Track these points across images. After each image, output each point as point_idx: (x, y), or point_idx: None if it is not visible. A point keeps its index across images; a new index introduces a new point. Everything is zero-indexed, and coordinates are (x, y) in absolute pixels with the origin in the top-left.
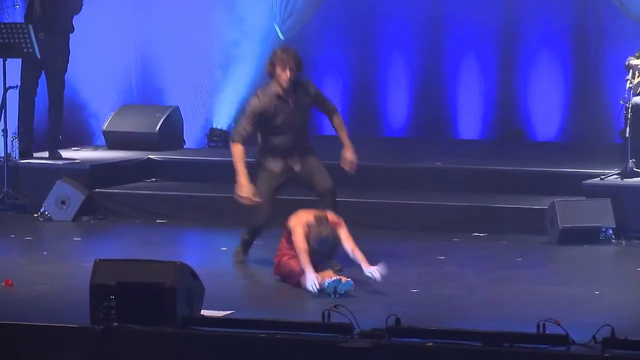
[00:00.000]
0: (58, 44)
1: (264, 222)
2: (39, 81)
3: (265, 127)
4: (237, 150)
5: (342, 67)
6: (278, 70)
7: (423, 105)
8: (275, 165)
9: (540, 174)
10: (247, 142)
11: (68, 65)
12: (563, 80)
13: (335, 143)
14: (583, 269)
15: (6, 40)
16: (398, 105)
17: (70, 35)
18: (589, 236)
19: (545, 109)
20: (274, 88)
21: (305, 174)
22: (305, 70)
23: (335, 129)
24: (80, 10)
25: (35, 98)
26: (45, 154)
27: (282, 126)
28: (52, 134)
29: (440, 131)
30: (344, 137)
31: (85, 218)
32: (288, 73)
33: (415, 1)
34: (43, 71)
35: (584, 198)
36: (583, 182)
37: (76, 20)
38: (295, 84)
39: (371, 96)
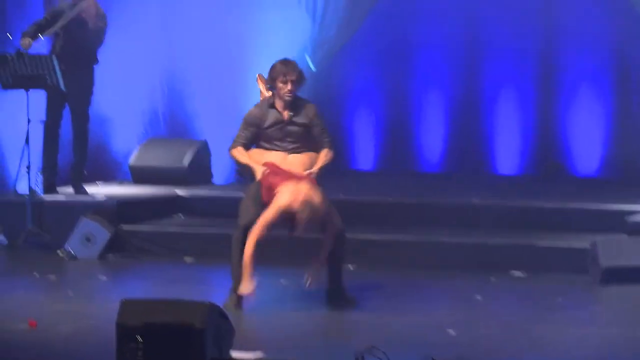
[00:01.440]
0: (82, 75)
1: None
2: (64, 114)
3: (260, 139)
4: (237, 151)
5: (376, 100)
6: (279, 83)
7: (459, 139)
8: None
9: (581, 210)
10: (246, 148)
11: (93, 97)
12: (604, 113)
13: (361, 179)
14: (627, 310)
15: (30, 72)
16: (433, 139)
17: (96, 67)
18: (633, 276)
19: (586, 143)
20: (273, 100)
21: None
22: (338, 102)
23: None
24: (102, 42)
25: (60, 132)
26: (70, 190)
27: (274, 140)
28: (76, 168)
29: (477, 166)
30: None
31: (111, 256)
32: (289, 86)
33: (451, 33)
34: (67, 104)
35: (627, 236)
36: (626, 219)
37: (102, 51)
38: (298, 102)
39: (405, 129)
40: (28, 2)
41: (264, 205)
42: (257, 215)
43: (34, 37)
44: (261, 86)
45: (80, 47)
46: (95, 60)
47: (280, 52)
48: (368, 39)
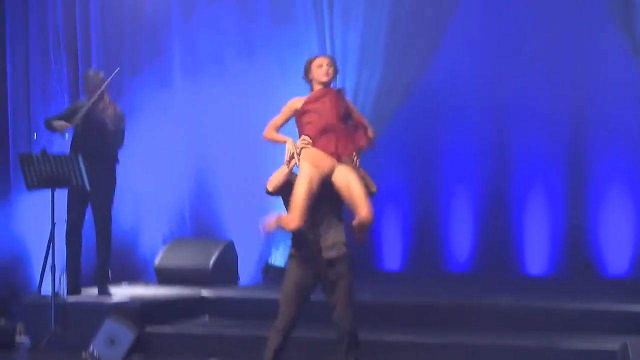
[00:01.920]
0: (103, 174)
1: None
2: (86, 214)
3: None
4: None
5: (403, 199)
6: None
7: (487, 239)
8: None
9: (611, 312)
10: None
11: (115, 197)
12: (635, 212)
13: (388, 280)
14: None
15: (55, 172)
16: (461, 239)
17: (117, 166)
18: None
19: (616, 243)
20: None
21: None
22: None
23: None
24: (123, 142)
25: (82, 232)
26: (94, 290)
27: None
28: (100, 269)
29: (505, 266)
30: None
31: (135, 357)
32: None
33: (480, 130)
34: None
35: None
36: None
37: (127, 151)
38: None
39: (433, 229)
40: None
41: (305, 289)
42: (294, 314)
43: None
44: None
45: (100, 147)
46: (116, 160)
47: None
48: (395, 137)
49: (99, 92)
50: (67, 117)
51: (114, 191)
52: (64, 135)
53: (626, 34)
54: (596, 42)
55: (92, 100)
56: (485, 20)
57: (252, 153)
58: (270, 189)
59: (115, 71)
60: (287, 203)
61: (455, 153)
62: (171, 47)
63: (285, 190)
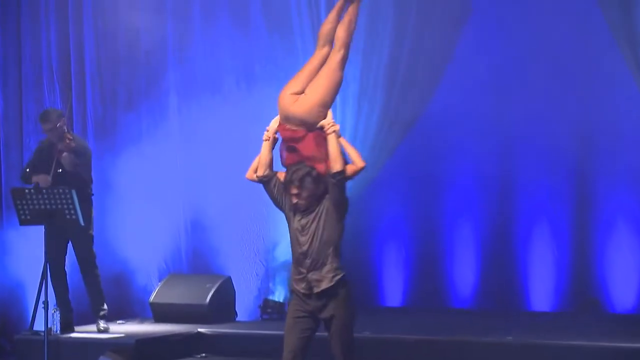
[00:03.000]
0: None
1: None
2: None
3: None
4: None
5: (405, 234)
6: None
7: (491, 274)
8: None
9: (618, 349)
10: None
11: (93, 231)
12: None
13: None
14: None
15: (48, 207)
16: (464, 274)
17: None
18: None
19: (623, 279)
20: None
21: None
22: (365, 236)
23: None
24: (90, 174)
25: (65, 267)
26: (88, 328)
27: None
28: (94, 307)
29: (510, 302)
30: None
31: None
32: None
33: (483, 165)
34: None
35: None
36: None
37: (123, 186)
38: None
39: (436, 264)
40: None
41: (303, 331)
42: (295, 350)
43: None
44: None
45: (69, 185)
46: (90, 194)
47: None
48: (397, 171)
49: (65, 136)
50: (36, 165)
51: (92, 227)
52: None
53: (631, 64)
54: (602, 75)
55: (59, 148)
56: (488, 53)
57: (250, 187)
58: (260, 173)
59: (69, 103)
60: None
61: (458, 188)
62: (167, 79)
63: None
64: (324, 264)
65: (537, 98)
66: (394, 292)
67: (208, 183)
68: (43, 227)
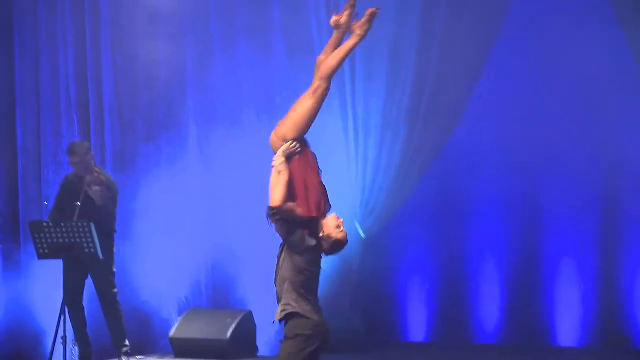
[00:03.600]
0: (101, 245)
1: None
2: (86, 284)
3: None
4: None
5: (428, 265)
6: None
7: (517, 309)
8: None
9: None
10: None
11: (115, 267)
12: None
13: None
14: None
15: (66, 240)
16: (489, 308)
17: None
18: None
19: None
20: None
21: None
22: (388, 271)
23: None
24: (115, 212)
25: (82, 302)
26: None
27: None
28: (116, 343)
29: (535, 337)
30: None
31: None
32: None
33: (508, 195)
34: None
35: None
36: None
37: (144, 221)
38: None
39: (459, 298)
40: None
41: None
42: None
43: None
44: None
45: (94, 220)
46: (113, 230)
47: None
48: (420, 204)
49: (93, 171)
50: (63, 201)
51: (114, 263)
52: None
53: None
54: (627, 100)
55: (87, 181)
56: (512, 81)
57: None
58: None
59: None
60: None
61: (482, 219)
62: (186, 110)
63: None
64: (281, 298)
65: (563, 125)
66: (417, 327)
67: (228, 215)
68: (62, 260)
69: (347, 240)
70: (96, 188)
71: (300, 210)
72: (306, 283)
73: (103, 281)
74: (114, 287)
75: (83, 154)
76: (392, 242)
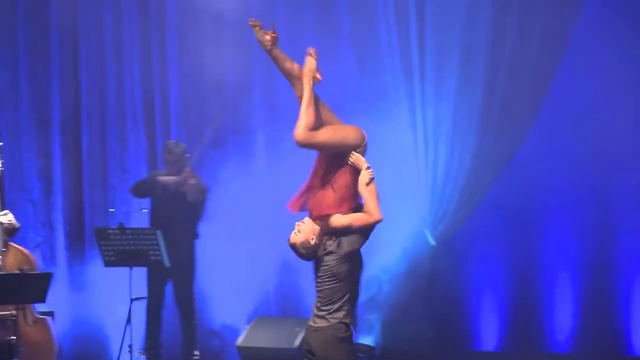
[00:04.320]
0: (183, 251)
1: None
2: (166, 292)
3: None
4: None
5: (499, 276)
6: None
7: (590, 318)
8: None
9: None
10: None
11: (196, 274)
12: None
13: None
14: None
15: (132, 248)
16: (562, 318)
17: (197, 242)
18: None
19: None
20: None
21: None
22: (458, 278)
23: None
24: (202, 216)
25: (163, 310)
26: None
27: None
28: (186, 349)
29: (610, 347)
30: None
31: None
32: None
33: (581, 205)
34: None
35: None
36: None
37: (211, 227)
38: None
39: (532, 306)
40: None
41: None
42: None
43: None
44: None
45: (180, 221)
46: (196, 235)
47: (397, 226)
48: (491, 211)
49: (184, 170)
50: (148, 185)
51: (195, 269)
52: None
53: None
54: None
55: (176, 177)
56: (584, 91)
57: None
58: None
59: (204, 140)
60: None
61: (554, 229)
62: (254, 117)
63: None
64: None
65: (636, 135)
66: (489, 336)
67: (297, 218)
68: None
69: (292, 243)
70: (191, 181)
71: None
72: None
73: (183, 288)
74: (193, 294)
75: (179, 154)
76: (463, 250)
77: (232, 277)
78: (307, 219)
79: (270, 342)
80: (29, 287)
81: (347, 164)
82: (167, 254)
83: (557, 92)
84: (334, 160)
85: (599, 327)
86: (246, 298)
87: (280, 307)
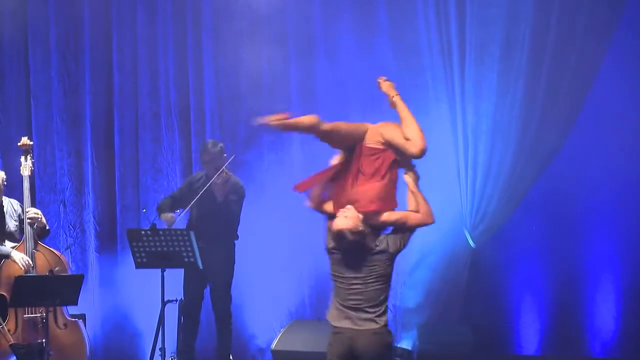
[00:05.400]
0: (221, 252)
1: None
2: (204, 294)
3: None
4: None
5: (540, 278)
6: None
7: (633, 322)
8: None
9: None
10: None
11: (233, 277)
12: None
13: None
14: None
15: (165, 249)
16: (605, 321)
17: (236, 242)
18: None
19: None
20: None
21: None
22: (499, 281)
23: None
24: (238, 216)
25: (200, 313)
26: None
27: None
28: (220, 352)
29: None
30: None
31: None
32: None
33: (624, 206)
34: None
35: None
36: None
37: (246, 229)
38: None
39: (573, 309)
40: None
41: None
42: None
43: (172, 211)
44: None
45: (218, 224)
46: (235, 236)
47: (437, 229)
48: (532, 212)
49: (220, 171)
50: (183, 195)
51: (233, 271)
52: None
53: None
54: None
55: (212, 180)
56: (629, 87)
57: None
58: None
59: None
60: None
61: (596, 230)
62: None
63: None
64: None
65: None
66: (529, 339)
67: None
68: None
69: (340, 229)
70: (218, 181)
71: None
72: (334, 287)
73: (221, 291)
74: (230, 297)
75: (215, 154)
76: (503, 251)
77: (267, 280)
78: (351, 207)
79: (305, 345)
80: (60, 289)
81: (385, 159)
82: (200, 255)
83: (599, 89)
84: (372, 156)
85: None
86: (281, 301)
87: (315, 310)
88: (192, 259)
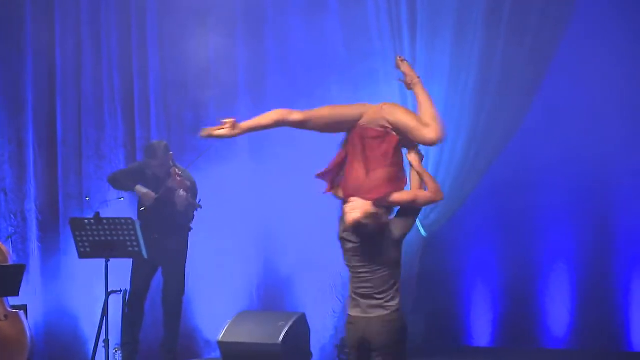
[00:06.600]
0: (174, 242)
1: None
2: (152, 285)
3: None
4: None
5: (493, 268)
6: None
7: (588, 312)
8: None
9: None
10: None
11: (186, 267)
12: None
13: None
14: None
15: (109, 238)
16: (558, 312)
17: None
18: None
19: None
20: None
21: None
22: (450, 271)
23: None
24: (193, 214)
25: (145, 304)
26: None
27: None
28: (166, 346)
29: (608, 342)
30: None
31: None
32: None
33: (577, 195)
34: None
35: None
36: None
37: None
38: None
39: (526, 300)
40: None
41: None
42: None
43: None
44: None
45: (171, 219)
46: (189, 228)
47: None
48: (483, 201)
49: (173, 176)
50: (134, 175)
51: (185, 261)
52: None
53: None
54: None
55: (166, 184)
56: (582, 77)
57: (325, 216)
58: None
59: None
60: None
61: (549, 220)
62: (238, 103)
63: None
64: None
65: (631, 127)
66: (482, 331)
67: (281, 211)
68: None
69: (354, 221)
70: (182, 193)
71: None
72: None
73: (173, 279)
74: (183, 289)
75: (162, 156)
76: (455, 241)
77: (212, 270)
78: (356, 198)
79: (252, 337)
80: (0, 279)
81: (391, 141)
82: (153, 246)
83: (553, 77)
84: (375, 139)
85: (595, 322)
86: (227, 291)
87: (262, 301)
88: (136, 249)
